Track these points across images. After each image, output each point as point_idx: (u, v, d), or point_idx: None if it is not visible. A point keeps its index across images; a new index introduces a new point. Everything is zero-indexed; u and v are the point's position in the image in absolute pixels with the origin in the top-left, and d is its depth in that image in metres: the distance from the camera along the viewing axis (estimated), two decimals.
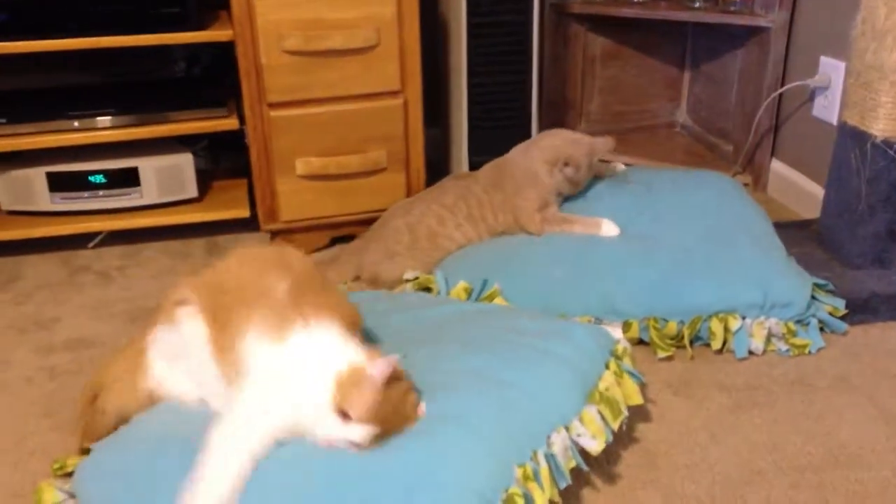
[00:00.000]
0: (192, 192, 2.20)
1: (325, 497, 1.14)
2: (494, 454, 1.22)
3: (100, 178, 2.13)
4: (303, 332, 1.25)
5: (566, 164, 1.92)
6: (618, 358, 1.46)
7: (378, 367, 1.16)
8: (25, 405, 1.58)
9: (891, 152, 1.78)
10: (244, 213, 2.19)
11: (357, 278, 1.95)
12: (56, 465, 1.38)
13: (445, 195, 1.96)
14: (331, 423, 1.17)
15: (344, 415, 1.16)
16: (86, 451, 1.37)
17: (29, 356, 1.74)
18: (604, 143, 1.96)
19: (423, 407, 1.24)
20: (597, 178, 2.04)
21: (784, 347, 1.69)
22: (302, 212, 2.08)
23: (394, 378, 1.19)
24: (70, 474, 1.34)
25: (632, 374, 1.45)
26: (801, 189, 2.33)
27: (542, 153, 1.96)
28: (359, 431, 1.16)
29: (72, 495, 1.29)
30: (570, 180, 1.94)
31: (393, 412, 1.19)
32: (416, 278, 1.84)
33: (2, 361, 1.72)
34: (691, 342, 1.69)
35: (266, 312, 1.26)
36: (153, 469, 1.24)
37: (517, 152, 2.02)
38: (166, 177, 2.16)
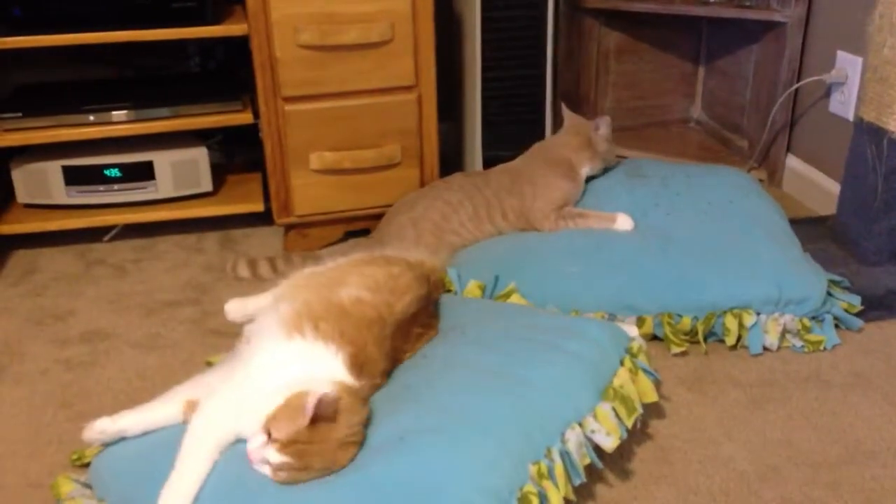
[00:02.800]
0: (207, 185, 2.21)
1: (343, 497, 1.14)
2: (509, 452, 1.22)
3: (115, 172, 2.14)
4: (303, 343, 1.28)
5: (597, 129, 2.00)
6: (633, 355, 1.46)
7: (310, 402, 1.14)
8: (42, 396, 1.60)
9: None
10: (258, 207, 2.19)
11: None
12: (74, 456, 1.40)
13: (451, 192, 1.96)
14: (258, 438, 1.17)
15: (268, 434, 1.16)
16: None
17: (45, 348, 1.75)
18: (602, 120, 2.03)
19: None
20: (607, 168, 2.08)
21: (799, 344, 1.69)
22: (316, 206, 2.08)
23: (332, 419, 1.17)
24: (87, 465, 1.35)
25: (647, 372, 1.45)
26: (816, 185, 2.32)
27: (569, 137, 2.03)
28: (274, 455, 1.14)
29: (88, 486, 1.30)
30: (608, 140, 2.02)
31: (317, 452, 1.16)
32: None
33: (18, 353, 1.74)
34: (705, 338, 1.69)
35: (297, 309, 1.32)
36: (169, 461, 1.24)
37: (532, 159, 2.03)
38: (181, 171, 2.17)
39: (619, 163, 2.14)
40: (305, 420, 1.14)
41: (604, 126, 2.01)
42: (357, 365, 1.29)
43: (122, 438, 1.32)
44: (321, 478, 1.17)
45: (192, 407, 1.29)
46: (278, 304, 1.40)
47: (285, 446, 1.14)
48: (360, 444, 1.21)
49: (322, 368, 1.27)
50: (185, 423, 1.27)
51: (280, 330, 1.31)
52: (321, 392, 1.16)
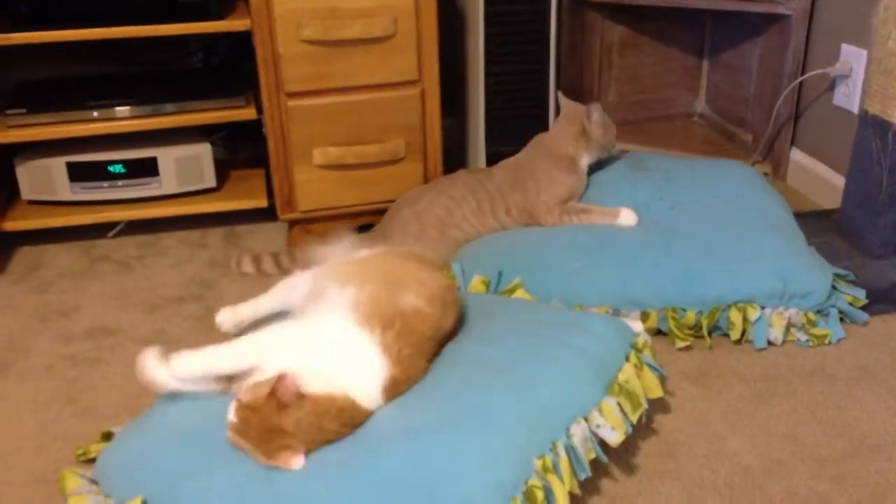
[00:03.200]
0: (211, 181, 2.21)
1: (347, 493, 1.15)
2: (514, 447, 1.22)
3: (119, 168, 2.14)
4: (369, 340, 1.30)
5: (589, 116, 1.99)
6: (638, 350, 1.46)
7: (280, 378, 1.16)
8: (47, 392, 1.60)
9: None
10: (262, 202, 2.19)
11: None
12: (79, 452, 1.40)
13: (455, 187, 1.96)
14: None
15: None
16: (108, 438, 1.39)
17: (50, 344, 1.76)
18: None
19: (296, 460, 1.17)
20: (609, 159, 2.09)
21: (803, 338, 1.68)
22: (320, 201, 2.08)
23: (284, 406, 1.17)
24: (93, 460, 1.35)
25: (652, 367, 1.45)
26: (821, 178, 2.31)
27: (564, 126, 2.01)
28: (230, 412, 1.19)
29: (94, 482, 1.30)
30: (604, 127, 2.00)
31: (256, 427, 1.17)
32: None
33: (24, 349, 1.74)
34: (710, 332, 1.68)
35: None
36: (175, 457, 1.25)
37: (533, 153, 2.02)
38: (185, 167, 2.17)
39: (622, 153, 2.13)
40: (260, 393, 1.17)
41: (595, 112, 1.99)
42: (391, 390, 1.29)
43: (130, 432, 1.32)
44: (251, 458, 1.19)
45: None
46: (344, 287, 1.39)
47: (240, 408, 1.18)
48: (298, 456, 1.18)
49: (364, 374, 1.27)
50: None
51: (354, 314, 1.32)
52: (294, 374, 1.18)
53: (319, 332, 1.32)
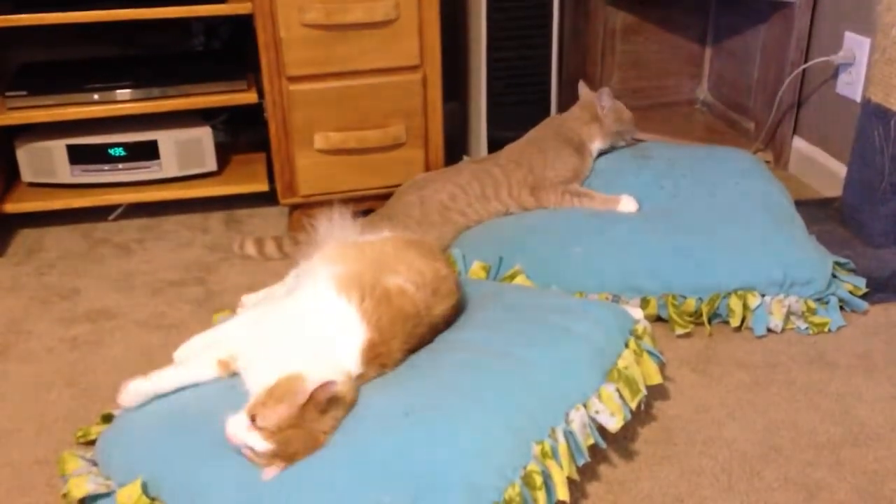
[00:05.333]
0: (212, 165, 2.21)
1: (348, 477, 1.15)
2: (513, 432, 1.23)
3: (119, 151, 2.14)
4: (346, 307, 1.31)
5: (600, 102, 2.00)
6: (637, 337, 1.46)
7: (309, 385, 1.15)
8: (48, 374, 1.60)
9: None
10: (263, 186, 2.19)
11: None
12: (79, 433, 1.40)
13: (460, 175, 1.97)
14: (240, 421, 1.16)
15: (252, 419, 1.15)
16: (108, 420, 1.39)
17: (51, 327, 1.76)
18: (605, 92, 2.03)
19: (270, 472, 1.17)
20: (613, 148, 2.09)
21: (803, 325, 1.68)
22: (320, 186, 2.08)
23: (324, 410, 1.17)
24: (93, 442, 1.36)
25: (652, 354, 1.45)
26: (823, 167, 2.31)
27: (579, 111, 2.04)
28: (258, 442, 1.14)
29: (94, 463, 1.31)
30: (616, 113, 2.01)
31: (302, 440, 1.16)
32: None
33: (24, 332, 1.74)
34: (710, 319, 1.69)
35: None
36: (174, 439, 1.25)
37: (544, 130, 2.04)
38: (186, 150, 2.17)
39: (634, 142, 2.14)
40: (298, 406, 1.14)
41: (605, 99, 2.01)
42: (371, 355, 1.29)
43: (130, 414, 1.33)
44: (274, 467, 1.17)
45: (225, 366, 1.33)
46: (328, 265, 1.40)
47: (272, 434, 1.14)
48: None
49: (342, 341, 1.28)
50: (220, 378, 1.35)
51: (333, 284, 1.33)
52: (324, 380, 1.16)
53: (297, 306, 1.35)
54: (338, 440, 1.19)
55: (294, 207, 2.13)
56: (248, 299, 1.70)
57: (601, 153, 2.05)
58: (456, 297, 1.49)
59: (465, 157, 2.35)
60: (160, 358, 1.63)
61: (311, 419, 1.17)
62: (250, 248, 1.99)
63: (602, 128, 2.01)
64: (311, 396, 1.15)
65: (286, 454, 1.15)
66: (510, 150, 2.02)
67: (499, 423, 1.23)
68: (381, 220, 1.96)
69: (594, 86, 2.71)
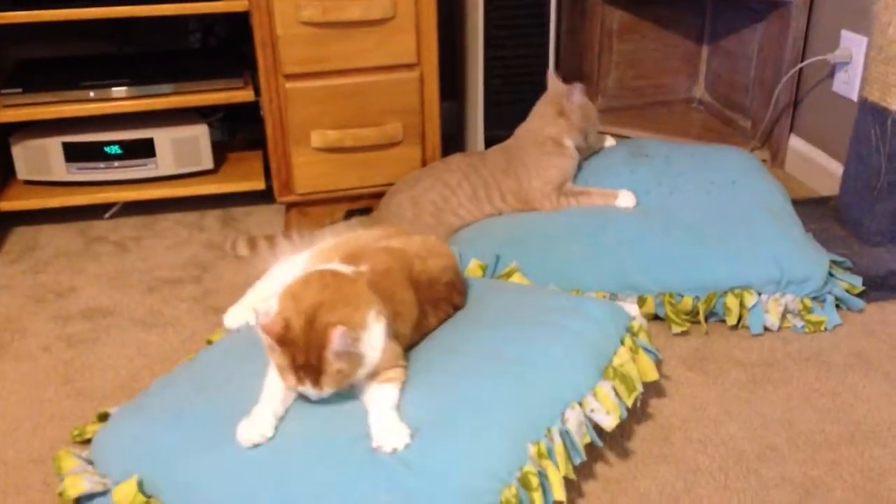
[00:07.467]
0: (208, 163, 2.20)
1: (344, 472, 1.15)
2: (508, 432, 1.22)
3: (115, 149, 2.13)
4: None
5: (569, 97, 1.95)
6: (633, 334, 1.46)
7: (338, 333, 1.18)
8: (43, 373, 1.60)
9: None
10: (259, 184, 2.19)
11: None
12: (75, 432, 1.40)
13: (450, 173, 1.95)
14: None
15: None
16: (103, 418, 1.39)
17: (46, 325, 1.75)
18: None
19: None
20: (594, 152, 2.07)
21: (800, 324, 1.69)
22: (317, 184, 2.07)
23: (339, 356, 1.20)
24: (88, 441, 1.36)
25: (647, 351, 1.45)
26: (819, 165, 2.31)
27: (544, 107, 2.00)
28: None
29: (90, 462, 1.30)
30: (582, 110, 1.96)
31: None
32: None
33: (20, 330, 1.74)
34: (706, 318, 1.69)
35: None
36: (170, 437, 1.25)
37: (519, 139, 2.01)
38: (182, 148, 2.16)
39: (619, 143, 2.13)
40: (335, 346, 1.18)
41: (576, 94, 1.95)
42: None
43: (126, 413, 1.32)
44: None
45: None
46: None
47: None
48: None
49: None
50: None
51: (316, 255, 1.47)
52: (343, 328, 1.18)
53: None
54: (335, 440, 1.19)
55: (291, 205, 2.12)
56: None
57: (585, 151, 2.02)
58: (452, 260, 1.53)
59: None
60: (156, 356, 1.64)
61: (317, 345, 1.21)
62: (242, 249, 1.98)
63: (570, 124, 1.96)
64: (330, 338, 1.18)
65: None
66: (495, 156, 1.98)
67: (494, 425, 1.23)
68: (374, 223, 1.96)
69: (591, 84, 2.71)
